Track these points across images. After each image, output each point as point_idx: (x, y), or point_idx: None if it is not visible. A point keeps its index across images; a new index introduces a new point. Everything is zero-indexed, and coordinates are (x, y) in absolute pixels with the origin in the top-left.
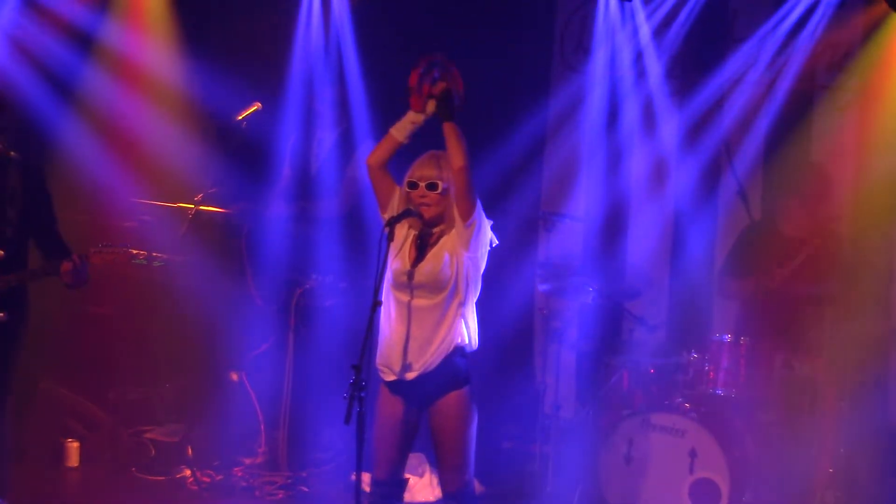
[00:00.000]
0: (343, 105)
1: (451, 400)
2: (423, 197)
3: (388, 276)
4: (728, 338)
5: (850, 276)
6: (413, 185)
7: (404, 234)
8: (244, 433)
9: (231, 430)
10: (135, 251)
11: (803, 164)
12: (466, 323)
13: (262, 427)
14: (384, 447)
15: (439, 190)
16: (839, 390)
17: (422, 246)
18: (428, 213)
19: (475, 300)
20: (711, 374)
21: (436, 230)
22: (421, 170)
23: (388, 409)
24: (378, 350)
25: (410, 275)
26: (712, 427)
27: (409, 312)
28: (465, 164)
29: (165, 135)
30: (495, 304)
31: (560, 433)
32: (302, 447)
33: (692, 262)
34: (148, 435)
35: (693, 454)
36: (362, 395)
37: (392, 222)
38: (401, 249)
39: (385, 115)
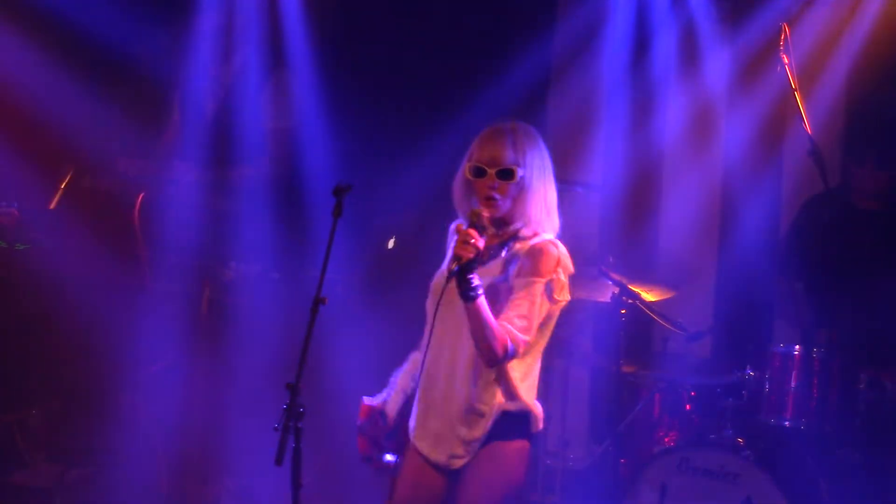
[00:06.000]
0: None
1: None
2: (492, 188)
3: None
4: (796, 350)
5: None
6: (479, 172)
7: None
8: (138, 475)
9: (121, 471)
10: None
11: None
12: None
13: (164, 467)
14: None
15: (515, 178)
16: None
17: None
18: (496, 209)
19: None
20: (773, 398)
21: (505, 233)
22: (489, 149)
23: None
24: None
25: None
26: (775, 470)
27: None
28: (498, 361)
29: (32, 73)
30: None
31: (568, 480)
32: (216, 494)
33: (747, 248)
34: (10, 479)
35: None
36: (300, 425)
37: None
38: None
39: (333, 48)
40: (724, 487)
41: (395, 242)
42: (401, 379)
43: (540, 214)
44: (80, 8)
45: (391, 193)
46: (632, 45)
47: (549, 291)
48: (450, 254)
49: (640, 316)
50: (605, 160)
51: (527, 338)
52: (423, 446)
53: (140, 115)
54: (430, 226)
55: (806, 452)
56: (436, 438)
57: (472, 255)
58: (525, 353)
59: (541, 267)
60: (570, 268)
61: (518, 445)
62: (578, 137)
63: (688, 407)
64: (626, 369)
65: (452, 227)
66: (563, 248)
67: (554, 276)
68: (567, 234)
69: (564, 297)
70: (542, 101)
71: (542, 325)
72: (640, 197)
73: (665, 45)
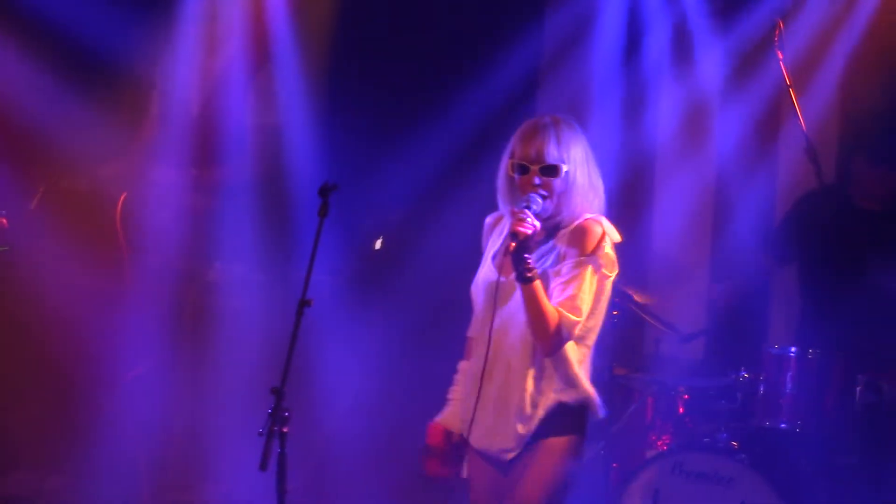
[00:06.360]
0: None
1: None
2: (536, 185)
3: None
4: (792, 351)
5: None
6: (523, 169)
7: (500, 227)
8: (119, 481)
9: (102, 477)
10: None
11: (889, 109)
12: None
13: (145, 473)
14: None
15: (560, 175)
16: None
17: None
18: (529, 228)
19: None
20: (768, 400)
21: (550, 223)
22: (532, 146)
23: None
24: None
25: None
26: (770, 473)
27: None
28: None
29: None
30: (468, 302)
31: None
32: (199, 501)
33: (740, 247)
34: None
35: None
36: (285, 429)
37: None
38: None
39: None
40: (719, 491)
41: (382, 243)
42: (458, 393)
43: (586, 206)
44: (57, 4)
45: (378, 192)
46: (623, 41)
47: (597, 268)
48: (490, 248)
49: (632, 317)
50: (597, 158)
51: (579, 319)
52: (478, 441)
53: (120, 114)
54: (419, 226)
55: (801, 456)
56: (489, 432)
57: (529, 232)
58: (581, 336)
59: (585, 246)
60: (616, 237)
61: (569, 440)
62: None
63: (681, 410)
64: (618, 371)
65: (488, 220)
66: (606, 223)
67: (599, 251)
68: None
69: (613, 271)
70: (531, 98)
71: (596, 304)
72: (632, 195)
73: (657, 40)
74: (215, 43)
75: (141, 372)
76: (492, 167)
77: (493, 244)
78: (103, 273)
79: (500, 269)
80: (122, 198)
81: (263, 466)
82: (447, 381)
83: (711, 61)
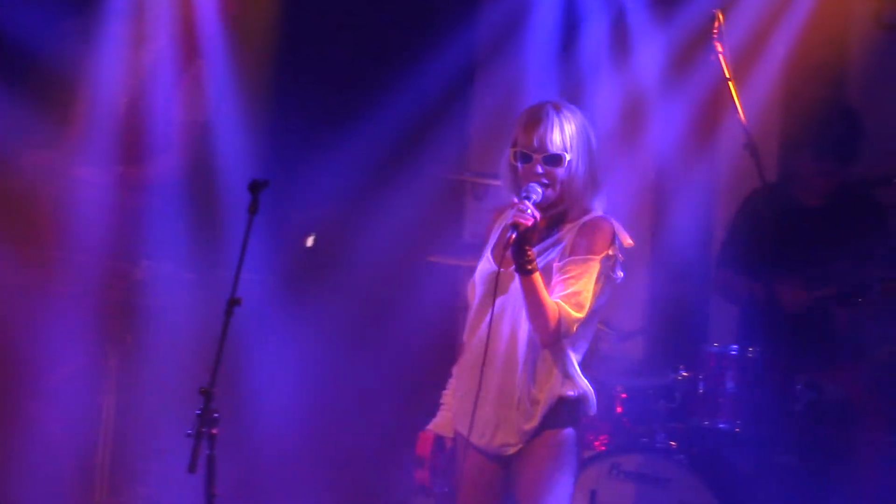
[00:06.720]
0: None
1: None
2: (539, 174)
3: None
4: (732, 350)
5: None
6: (525, 158)
7: (504, 219)
8: (45, 485)
9: (26, 481)
10: None
11: (830, 102)
12: None
13: (72, 476)
14: None
15: (563, 164)
16: (885, 420)
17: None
18: (529, 219)
19: None
20: (707, 400)
21: (553, 215)
22: (534, 134)
23: None
24: None
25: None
26: (708, 474)
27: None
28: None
29: None
30: (403, 300)
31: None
32: None
33: (680, 244)
34: None
35: None
36: (214, 431)
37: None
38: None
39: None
40: (657, 493)
41: (314, 240)
42: (451, 398)
43: (589, 195)
44: None
45: (310, 189)
46: (560, 32)
47: (605, 269)
48: (493, 239)
49: None
50: None
51: (580, 315)
52: (477, 438)
53: (46, 107)
54: (352, 223)
55: (740, 456)
56: (489, 427)
57: (529, 223)
58: (580, 333)
59: (596, 244)
60: (628, 241)
61: (567, 433)
62: (503, 130)
63: (619, 410)
64: None
65: (494, 212)
66: (617, 224)
67: (609, 252)
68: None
69: (620, 273)
70: (467, 91)
71: (598, 303)
72: None
73: (595, 31)
74: (143, 38)
75: (67, 372)
76: (429, 172)
77: (495, 236)
78: (29, 272)
79: (500, 261)
80: (47, 195)
81: (192, 469)
82: (380, 381)
83: (650, 53)
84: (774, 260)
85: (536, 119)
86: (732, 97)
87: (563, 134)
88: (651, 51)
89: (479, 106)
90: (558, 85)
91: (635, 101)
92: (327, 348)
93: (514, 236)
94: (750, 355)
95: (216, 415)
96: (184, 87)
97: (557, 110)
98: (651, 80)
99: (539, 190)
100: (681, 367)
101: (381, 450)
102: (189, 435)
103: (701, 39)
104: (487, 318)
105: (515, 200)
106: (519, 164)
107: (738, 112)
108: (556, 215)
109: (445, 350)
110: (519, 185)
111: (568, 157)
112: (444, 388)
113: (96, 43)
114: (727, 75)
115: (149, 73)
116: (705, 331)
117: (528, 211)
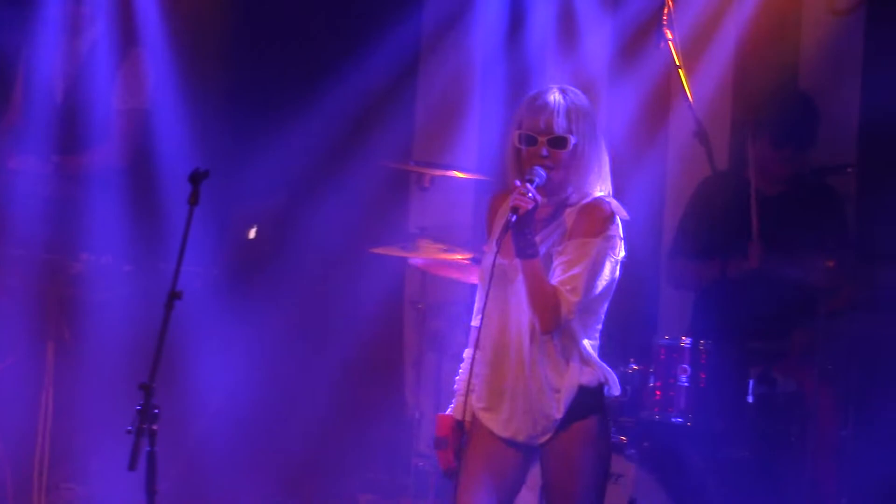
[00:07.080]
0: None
1: None
2: (543, 157)
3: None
4: (684, 342)
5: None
6: (529, 140)
7: (503, 207)
8: None
9: None
10: None
11: (786, 89)
12: None
13: (7, 473)
14: None
15: (568, 147)
16: (840, 414)
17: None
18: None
19: None
20: (658, 393)
21: (556, 200)
22: (539, 116)
23: None
24: None
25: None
26: (660, 469)
27: None
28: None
29: None
30: (348, 294)
31: (443, 482)
32: (65, 501)
33: (630, 234)
34: None
35: None
36: (154, 427)
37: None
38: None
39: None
40: (608, 489)
41: (256, 231)
42: (464, 382)
43: (593, 180)
44: None
45: (252, 179)
46: (507, 20)
47: (603, 250)
48: (496, 228)
49: None
50: (479, 141)
51: (576, 299)
52: (495, 425)
53: None
54: (295, 214)
55: (692, 450)
56: (510, 416)
57: (529, 207)
58: (589, 318)
59: (595, 226)
60: (624, 214)
61: (595, 421)
62: (451, 118)
63: None
64: None
65: (492, 199)
66: (615, 203)
67: (608, 233)
68: (439, 221)
69: (621, 253)
70: (411, 80)
71: (604, 285)
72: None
73: (542, 18)
74: (80, 24)
75: (3, 368)
76: (373, 161)
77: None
78: None
79: (502, 247)
80: None
81: (132, 466)
82: (323, 375)
83: (598, 40)
84: (729, 249)
85: (543, 102)
86: (682, 84)
87: (570, 117)
88: (600, 37)
89: (425, 94)
90: (505, 72)
91: (584, 87)
92: (269, 342)
93: (514, 220)
94: (702, 348)
95: (157, 410)
96: (122, 74)
97: (564, 93)
98: (600, 67)
99: (543, 173)
100: (631, 360)
101: (325, 444)
102: (129, 431)
103: (650, 26)
104: (497, 309)
105: (517, 184)
106: (523, 147)
107: (688, 99)
108: (561, 200)
109: (389, 344)
110: (522, 169)
111: (573, 140)
112: (456, 374)
113: (32, 29)
114: (677, 62)
115: (86, 61)
116: (656, 322)
117: (529, 194)
